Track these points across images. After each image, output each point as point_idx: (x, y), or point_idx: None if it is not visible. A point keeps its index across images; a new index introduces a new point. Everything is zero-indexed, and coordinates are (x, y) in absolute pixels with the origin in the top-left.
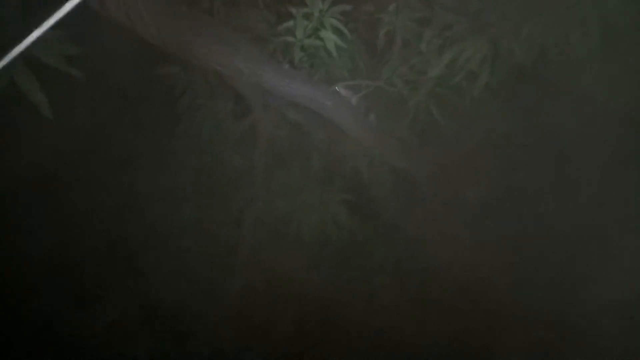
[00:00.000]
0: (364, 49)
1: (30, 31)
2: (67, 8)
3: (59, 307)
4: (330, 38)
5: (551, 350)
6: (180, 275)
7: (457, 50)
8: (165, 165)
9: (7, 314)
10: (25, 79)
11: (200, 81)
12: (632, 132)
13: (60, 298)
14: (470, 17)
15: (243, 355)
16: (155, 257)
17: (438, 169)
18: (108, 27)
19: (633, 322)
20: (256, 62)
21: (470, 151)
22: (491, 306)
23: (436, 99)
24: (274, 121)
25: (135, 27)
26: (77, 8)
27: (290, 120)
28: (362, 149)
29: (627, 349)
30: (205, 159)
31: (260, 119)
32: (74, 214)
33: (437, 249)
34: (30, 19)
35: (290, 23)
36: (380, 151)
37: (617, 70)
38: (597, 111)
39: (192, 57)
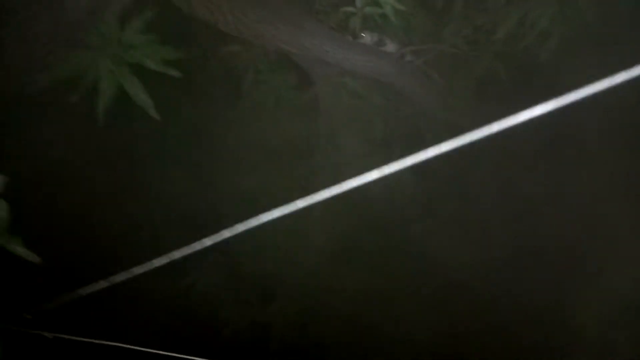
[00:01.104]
0: (423, 10)
1: None
2: None
3: (155, 277)
4: (388, 2)
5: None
6: (259, 243)
7: (526, 7)
8: (233, 139)
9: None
10: (131, 84)
11: (261, 58)
12: None
13: (154, 267)
14: None
15: (323, 315)
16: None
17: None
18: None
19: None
20: (321, 38)
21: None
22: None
23: (503, 60)
24: (335, 91)
25: (217, 21)
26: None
27: (350, 89)
28: (423, 113)
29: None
30: (269, 130)
31: (322, 90)
32: (149, 188)
33: (496, 206)
34: None
35: None
36: (444, 113)
37: None
38: None
39: (258, 37)
